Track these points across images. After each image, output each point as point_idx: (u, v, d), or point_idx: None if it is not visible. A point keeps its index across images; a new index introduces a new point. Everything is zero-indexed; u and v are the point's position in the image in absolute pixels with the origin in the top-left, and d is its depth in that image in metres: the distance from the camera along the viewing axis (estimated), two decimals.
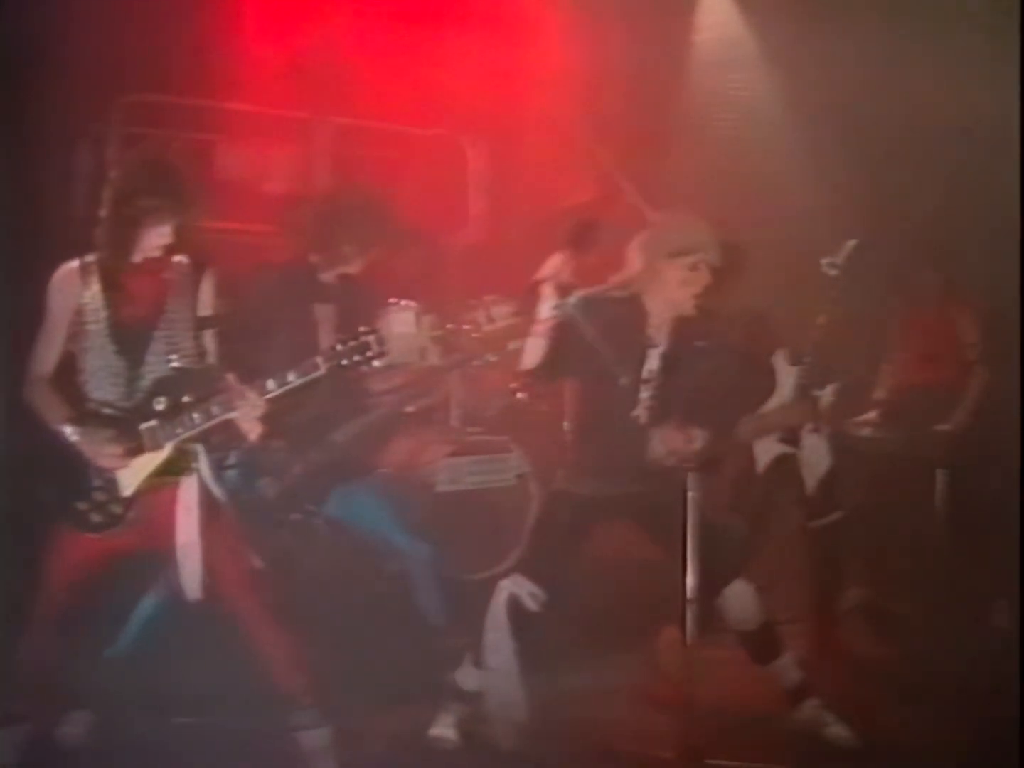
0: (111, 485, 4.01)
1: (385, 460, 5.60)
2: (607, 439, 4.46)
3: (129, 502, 4.01)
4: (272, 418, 4.33)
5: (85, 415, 4.01)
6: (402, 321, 5.73)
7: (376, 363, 4.02)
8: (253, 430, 4.07)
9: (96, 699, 4.31)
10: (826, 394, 5.44)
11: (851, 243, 5.32)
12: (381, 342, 3.99)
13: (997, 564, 5.50)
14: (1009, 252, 4.87)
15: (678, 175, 6.37)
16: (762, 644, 4.51)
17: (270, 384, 3.98)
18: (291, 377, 3.98)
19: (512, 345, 6.01)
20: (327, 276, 4.94)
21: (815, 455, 5.43)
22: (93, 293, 4.04)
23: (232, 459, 4.60)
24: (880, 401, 6.31)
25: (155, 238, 4.04)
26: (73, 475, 4.01)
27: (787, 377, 5.38)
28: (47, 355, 4.07)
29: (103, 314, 4.03)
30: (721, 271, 4.51)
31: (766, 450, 5.46)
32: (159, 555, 4.12)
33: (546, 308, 4.48)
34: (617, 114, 6.46)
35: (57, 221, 5.04)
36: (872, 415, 6.27)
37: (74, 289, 4.05)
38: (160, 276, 4.10)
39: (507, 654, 4.36)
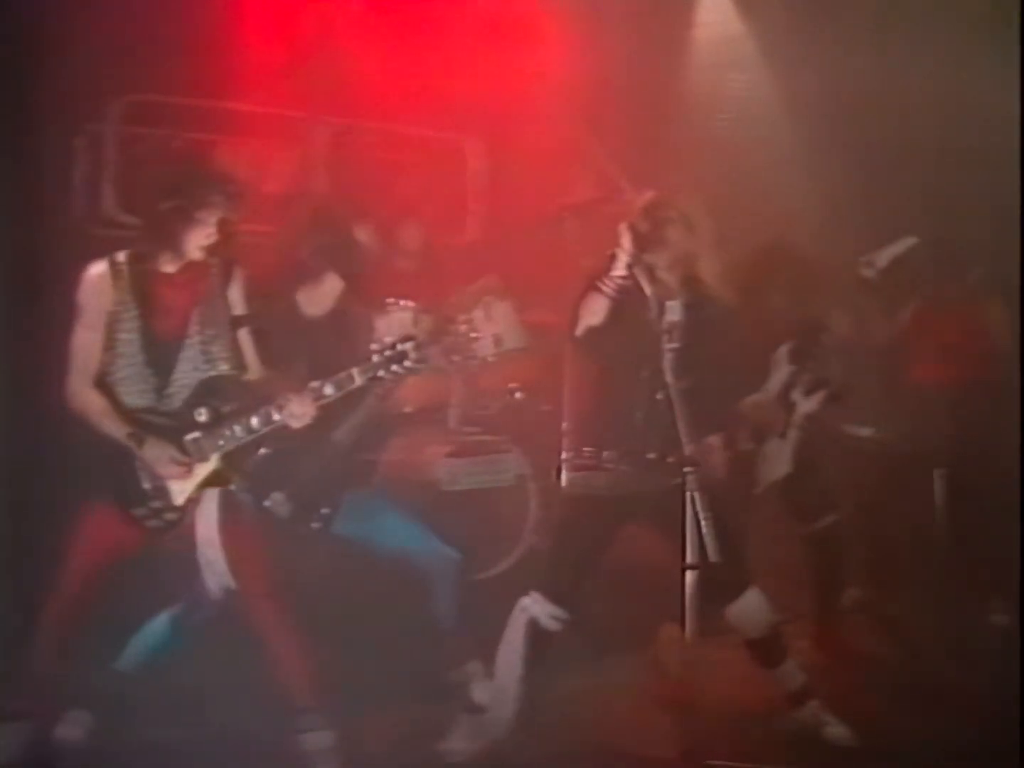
0: (163, 493, 4.01)
1: (384, 460, 5.60)
2: (632, 431, 4.36)
3: (183, 510, 4.03)
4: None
5: (139, 425, 3.97)
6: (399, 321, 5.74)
7: (413, 373, 4.03)
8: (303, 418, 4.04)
9: (98, 701, 4.31)
10: (810, 402, 5.39)
11: (909, 241, 5.23)
12: (419, 348, 3.98)
13: (997, 563, 5.50)
14: (1010, 250, 4.87)
15: (677, 174, 6.37)
16: (769, 650, 4.50)
17: (306, 395, 3.99)
18: (328, 390, 4.01)
19: (510, 344, 6.04)
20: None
21: (775, 458, 5.35)
22: (124, 299, 3.99)
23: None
24: (879, 400, 6.29)
25: (200, 237, 3.99)
26: (125, 479, 3.99)
27: (778, 374, 5.33)
28: (89, 359, 3.99)
29: (135, 324, 3.99)
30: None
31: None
32: (181, 561, 4.12)
33: (622, 265, 4.23)
34: (616, 114, 6.46)
35: (56, 221, 5.04)
36: (871, 414, 6.26)
37: (106, 291, 3.99)
38: (191, 284, 4.06)
39: (517, 668, 4.37)
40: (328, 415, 4.67)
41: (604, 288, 4.26)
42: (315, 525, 4.66)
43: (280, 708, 4.15)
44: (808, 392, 5.35)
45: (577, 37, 6.44)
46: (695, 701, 4.15)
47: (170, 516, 4.02)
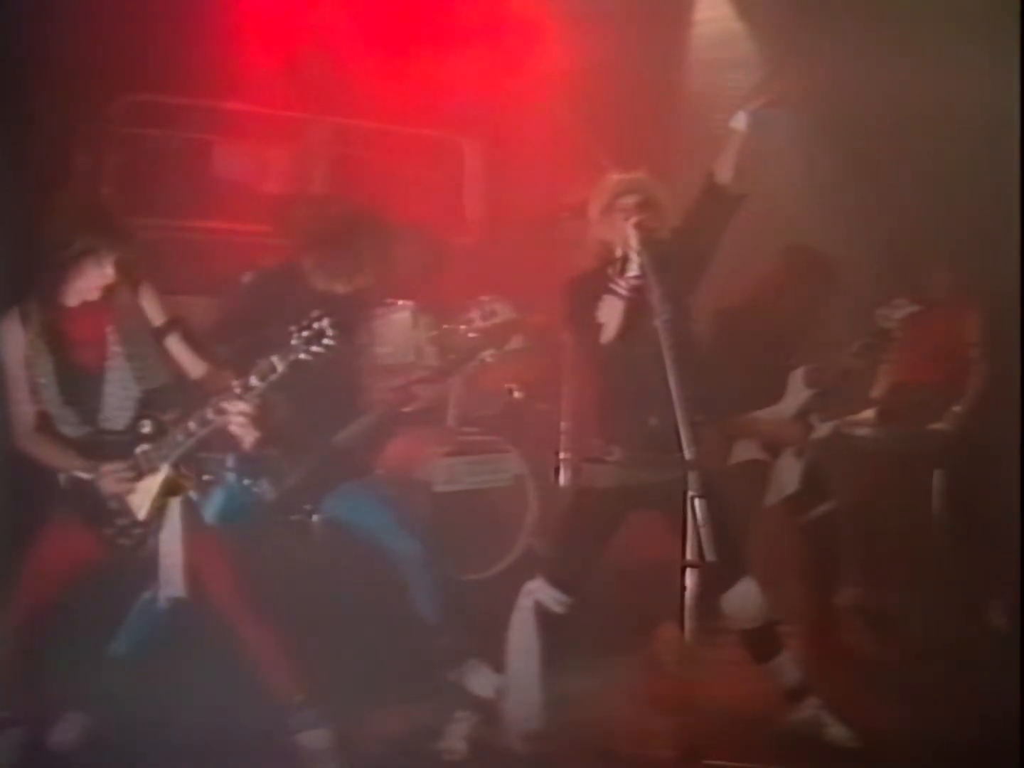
0: (127, 510, 4.04)
1: (382, 460, 5.60)
2: (637, 422, 4.33)
3: (147, 524, 4.05)
4: (266, 424, 4.29)
5: (86, 448, 4.02)
6: (399, 321, 5.74)
7: (334, 350, 3.83)
8: (247, 436, 4.04)
9: (93, 700, 4.30)
10: (824, 428, 5.41)
11: (910, 308, 5.29)
12: (336, 325, 3.83)
13: (996, 563, 5.51)
14: (1009, 251, 4.87)
15: (675, 173, 6.36)
16: (763, 642, 4.50)
17: (236, 390, 3.91)
18: (253, 381, 3.90)
19: (509, 344, 6.04)
20: (321, 286, 4.73)
21: (787, 474, 5.35)
22: (35, 343, 3.99)
23: (230, 462, 4.58)
24: (879, 400, 6.29)
25: (95, 279, 3.98)
26: (93, 501, 4.03)
27: (796, 395, 5.34)
28: (23, 408, 4.03)
29: (49, 366, 4.00)
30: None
31: (743, 449, 5.34)
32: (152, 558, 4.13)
33: (635, 265, 4.15)
34: (614, 113, 6.46)
35: None
36: (870, 414, 6.26)
37: (19, 340, 4.00)
38: (99, 311, 4.04)
39: (532, 657, 4.38)
40: (330, 421, 4.70)
41: (619, 290, 4.22)
42: (306, 507, 4.67)
43: (277, 707, 4.15)
44: (824, 419, 5.39)
45: (575, 36, 6.45)
46: (694, 700, 4.14)
47: (138, 532, 4.05)
